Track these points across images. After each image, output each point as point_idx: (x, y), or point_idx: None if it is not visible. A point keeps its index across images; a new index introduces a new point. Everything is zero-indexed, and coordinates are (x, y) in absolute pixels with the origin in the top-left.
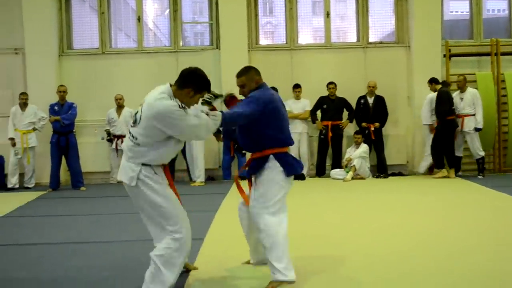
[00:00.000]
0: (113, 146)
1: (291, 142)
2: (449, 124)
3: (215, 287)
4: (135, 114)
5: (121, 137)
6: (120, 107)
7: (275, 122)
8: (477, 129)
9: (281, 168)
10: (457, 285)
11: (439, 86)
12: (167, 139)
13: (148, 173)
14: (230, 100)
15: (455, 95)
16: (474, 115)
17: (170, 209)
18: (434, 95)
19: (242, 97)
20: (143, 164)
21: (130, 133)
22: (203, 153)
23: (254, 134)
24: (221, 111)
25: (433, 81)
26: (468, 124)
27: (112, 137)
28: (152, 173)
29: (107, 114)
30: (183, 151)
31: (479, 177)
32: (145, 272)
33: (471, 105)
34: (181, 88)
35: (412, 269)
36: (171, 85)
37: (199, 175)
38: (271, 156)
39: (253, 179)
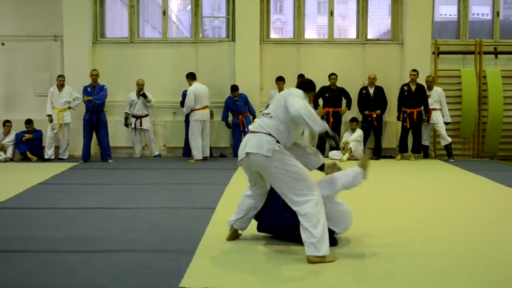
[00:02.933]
0: (133, 125)
1: None
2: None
3: (225, 250)
4: None
5: (140, 117)
6: (140, 90)
7: None
8: (446, 123)
9: None
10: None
11: None
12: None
13: None
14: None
15: None
16: (440, 109)
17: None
18: None
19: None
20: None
21: None
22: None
23: None
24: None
25: None
26: (435, 117)
27: (129, 122)
28: None
29: (128, 97)
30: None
31: (450, 160)
32: (165, 235)
33: (437, 101)
34: (306, 91)
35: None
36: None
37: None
38: None
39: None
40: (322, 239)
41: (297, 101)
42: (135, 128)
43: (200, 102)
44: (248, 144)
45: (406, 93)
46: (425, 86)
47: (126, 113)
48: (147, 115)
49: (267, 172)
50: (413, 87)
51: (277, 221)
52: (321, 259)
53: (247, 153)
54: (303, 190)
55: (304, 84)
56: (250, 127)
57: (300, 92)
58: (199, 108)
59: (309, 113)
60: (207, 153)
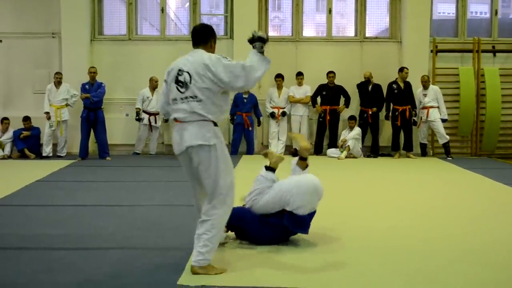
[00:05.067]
0: (146, 122)
1: None
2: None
3: (223, 247)
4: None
5: (153, 114)
6: (154, 88)
7: None
8: (443, 120)
9: None
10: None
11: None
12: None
13: None
14: None
15: (419, 91)
16: (437, 107)
17: None
18: None
19: None
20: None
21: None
22: None
23: None
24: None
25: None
26: (433, 115)
27: (141, 117)
28: None
29: (140, 93)
30: None
31: (448, 158)
32: (163, 232)
33: (434, 99)
34: (204, 44)
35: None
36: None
37: None
38: None
39: None
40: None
41: (230, 65)
42: (150, 124)
43: None
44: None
45: (396, 91)
46: (421, 85)
47: (137, 108)
48: (158, 113)
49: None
50: (402, 85)
51: (263, 230)
52: (206, 270)
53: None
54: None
55: (197, 35)
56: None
57: (214, 56)
58: None
59: (249, 68)
60: None
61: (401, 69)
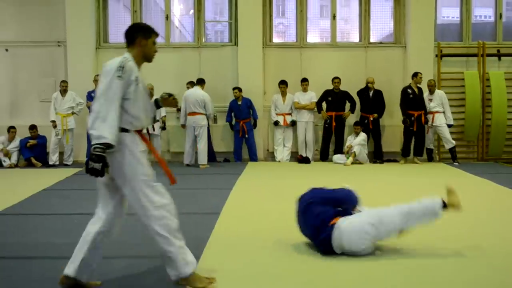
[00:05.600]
0: (144, 130)
1: None
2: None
3: (230, 255)
4: None
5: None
6: (151, 96)
7: None
8: (449, 125)
9: None
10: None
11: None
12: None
13: None
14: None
15: (425, 96)
16: (443, 112)
17: None
18: None
19: None
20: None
21: None
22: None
23: None
24: None
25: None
26: (438, 120)
27: None
28: None
29: None
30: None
31: (455, 163)
32: None
33: (440, 104)
34: (132, 44)
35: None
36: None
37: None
38: None
39: None
40: None
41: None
42: (148, 133)
43: (189, 107)
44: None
45: (411, 95)
46: (428, 89)
47: None
48: (157, 121)
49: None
50: (416, 90)
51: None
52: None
53: None
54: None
55: (125, 36)
56: None
57: (110, 66)
58: (189, 113)
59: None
60: (203, 161)
61: (415, 74)
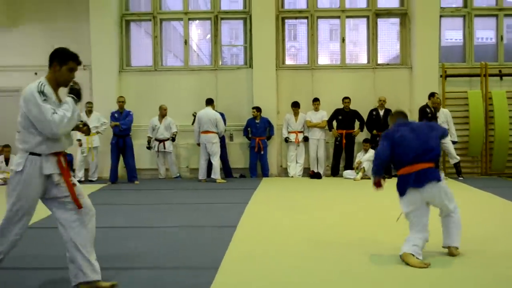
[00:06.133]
0: (156, 149)
1: None
2: None
3: (247, 267)
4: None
5: (163, 141)
6: (163, 116)
7: None
8: (453, 142)
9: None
10: None
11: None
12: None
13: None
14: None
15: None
16: (448, 129)
17: None
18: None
19: None
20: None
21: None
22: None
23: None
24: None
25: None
26: (448, 138)
27: (151, 145)
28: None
29: (150, 122)
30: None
31: (460, 178)
32: (190, 252)
33: (445, 122)
34: (49, 68)
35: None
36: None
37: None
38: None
39: None
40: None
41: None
42: (158, 150)
43: (202, 126)
44: None
45: (430, 115)
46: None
47: (148, 137)
48: (168, 139)
49: None
50: (433, 109)
51: None
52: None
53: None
54: None
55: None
56: None
57: (29, 93)
58: (202, 131)
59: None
60: (217, 176)
61: (432, 94)
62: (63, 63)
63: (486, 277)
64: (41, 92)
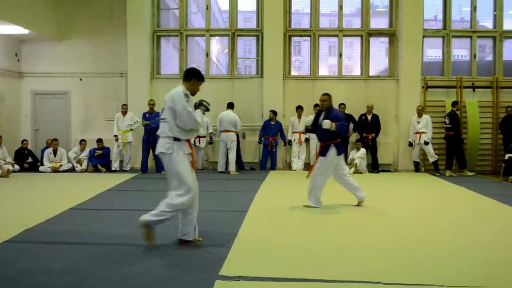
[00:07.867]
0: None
1: None
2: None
3: (257, 244)
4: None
5: (199, 137)
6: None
7: None
8: (425, 142)
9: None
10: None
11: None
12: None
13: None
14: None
15: (414, 119)
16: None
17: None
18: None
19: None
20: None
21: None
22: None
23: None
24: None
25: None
26: (424, 139)
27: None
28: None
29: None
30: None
31: (437, 174)
32: (206, 233)
33: (425, 126)
34: (187, 81)
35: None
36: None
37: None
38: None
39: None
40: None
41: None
42: (194, 144)
43: (223, 126)
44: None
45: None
46: (416, 114)
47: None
48: (204, 136)
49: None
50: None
51: None
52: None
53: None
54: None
55: (185, 74)
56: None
57: (179, 94)
58: (222, 131)
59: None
60: (232, 169)
61: (456, 103)
62: (200, 80)
63: (460, 257)
64: (186, 95)
